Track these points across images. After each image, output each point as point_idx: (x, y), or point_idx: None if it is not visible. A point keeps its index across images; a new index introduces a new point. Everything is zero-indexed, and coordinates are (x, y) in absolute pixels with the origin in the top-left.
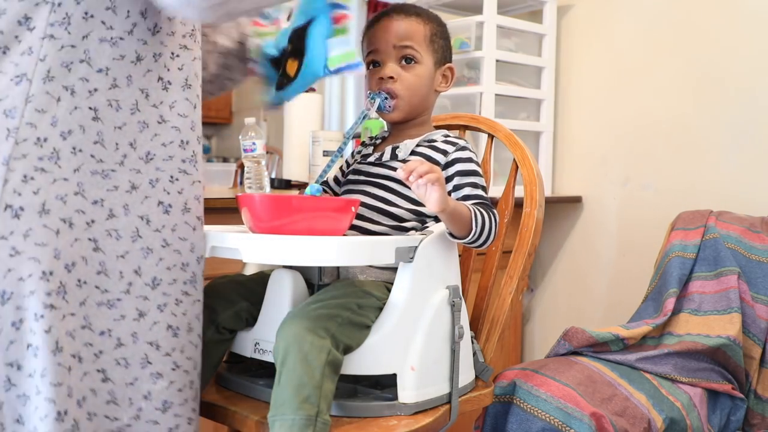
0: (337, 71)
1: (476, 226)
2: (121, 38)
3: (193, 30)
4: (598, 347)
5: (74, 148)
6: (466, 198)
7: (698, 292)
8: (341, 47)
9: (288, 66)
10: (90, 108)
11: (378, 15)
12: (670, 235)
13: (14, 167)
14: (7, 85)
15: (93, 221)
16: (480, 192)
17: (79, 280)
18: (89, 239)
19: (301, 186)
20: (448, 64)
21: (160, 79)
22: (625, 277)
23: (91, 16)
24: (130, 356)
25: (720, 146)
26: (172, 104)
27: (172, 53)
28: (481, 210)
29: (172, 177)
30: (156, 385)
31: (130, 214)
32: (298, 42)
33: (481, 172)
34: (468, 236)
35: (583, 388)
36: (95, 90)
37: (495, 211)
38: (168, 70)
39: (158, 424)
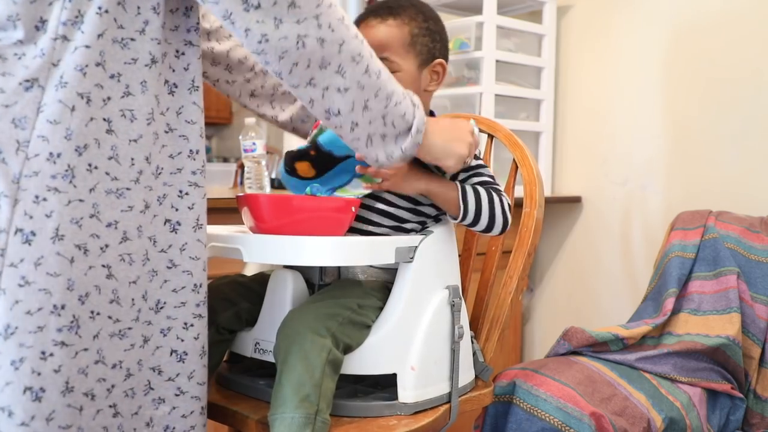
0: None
1: (463, 203)
2: (132, 39)
3: (197, 22)
4: (597, 347)
5: (90, 165)
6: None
7: (698, 291)
8: (357, 190)
9: (300, 164)
10: (104, 119)
11: (357, 19)
12: (669, 235)
13: (26, 186)
14: (15, 89)
15: (107, 246)
16: (486, 178)
17: (92, 312)
18: (103, 266)
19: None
20: (436, 61)
21: (166, 82)
22: (625, 276)
23: (106, 11)
24: (136, 385)
25: (720, 146)
26: (179, 110)
27: (177, 51)
28: (477, 188)
29: (181, 192)
30: (158, 411)
31: (143, 236)
32: (321, 157)
33: (482, 162)
34: (459, 215)
35: (582, 387)
36: (108, 99)
37: (503, 193)
38: (173, 71)
39: None
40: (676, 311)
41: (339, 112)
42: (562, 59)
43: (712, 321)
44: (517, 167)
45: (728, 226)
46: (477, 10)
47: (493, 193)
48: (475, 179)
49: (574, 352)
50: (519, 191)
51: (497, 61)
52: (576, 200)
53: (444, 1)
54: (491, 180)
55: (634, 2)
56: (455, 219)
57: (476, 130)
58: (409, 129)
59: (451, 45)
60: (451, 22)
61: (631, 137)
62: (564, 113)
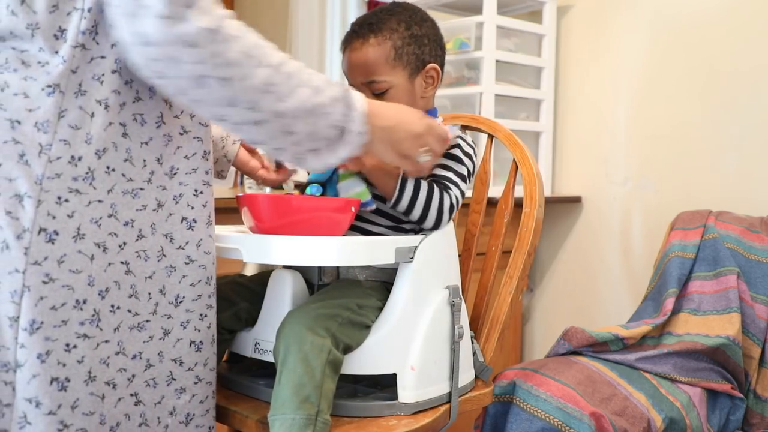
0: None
1: (399, 191)
2: None
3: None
4: (597, 347)
5: (108, 167)
6: (433, 176)
7: (698, 291)
8: (353, 189)
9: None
10: (120, 124)
11: (342, 43)
12: (669, 235)
13: (48, 187)
14: (38, 94)
15: (125, 243)
16: (443, 172)
17: (113, 306)
18: (121, 262)
19: (302, 186)
20: (428, 66)
21: None
22: (625, 277)
23: None
24: (158, 376)
25: (720, 146)
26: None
27: None
28: (420, 181)
29: (196, 191)
30: (180, 400)
31: (157, 233)
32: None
33: (461, 158)
34: (392, 201)
35: (582, 387)
36: (124, 104)
37: (452, 190)
38: None
39: None
40: (676, 311)
41: (261, 141)
42: (562, 59)
43: (712, 321)
44: (517, 167)
45: (728, 226)
46: (477, 10)
47: (436, 189)
48: (439, 170)
49: (574, 352)
50: (519, 191)
51: (497, 61)
52: (576, 200)
53: (444, 1)
54: (447, 176)
55: (635, 2)
56: (388, 203)
57: (452, 130)
58: (342, 135)
59: (451, 45)
60: (451, 22)
61: (631, 137)
62: (564, 113)
